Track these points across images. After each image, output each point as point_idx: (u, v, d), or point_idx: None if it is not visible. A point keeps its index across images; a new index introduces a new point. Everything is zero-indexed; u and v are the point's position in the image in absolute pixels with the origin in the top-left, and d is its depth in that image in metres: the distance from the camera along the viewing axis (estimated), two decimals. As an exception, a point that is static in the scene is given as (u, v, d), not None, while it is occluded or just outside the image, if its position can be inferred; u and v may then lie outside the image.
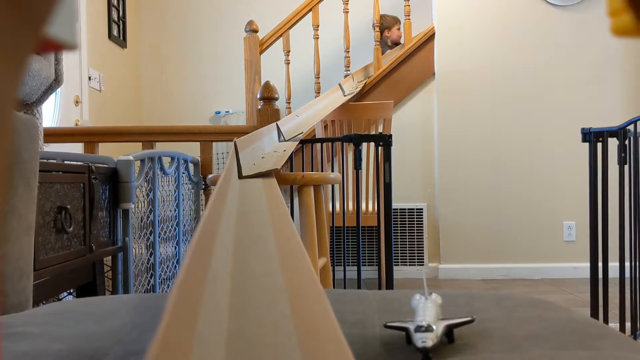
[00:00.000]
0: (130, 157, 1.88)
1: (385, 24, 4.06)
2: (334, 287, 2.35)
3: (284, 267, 0.48)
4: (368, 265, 3.64)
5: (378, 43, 3.74)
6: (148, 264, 2.10)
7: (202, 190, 2.72)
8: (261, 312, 0.38)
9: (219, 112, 4.65)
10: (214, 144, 2.86)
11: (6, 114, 0.16)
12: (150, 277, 2.11)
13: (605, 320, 2.19)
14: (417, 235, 3.75)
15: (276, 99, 2.73)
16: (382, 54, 3.85)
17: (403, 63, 3.75)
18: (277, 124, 2.29)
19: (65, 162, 1.69)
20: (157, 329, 0.32)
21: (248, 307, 0.39)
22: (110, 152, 2.30)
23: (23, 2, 0.16)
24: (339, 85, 3.56)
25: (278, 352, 0.33)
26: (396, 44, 4.13)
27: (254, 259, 0.52)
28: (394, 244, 3.66)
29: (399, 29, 4.12)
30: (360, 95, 3.67)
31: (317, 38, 3.65)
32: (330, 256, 2.35)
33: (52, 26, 0.19)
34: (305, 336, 0.34)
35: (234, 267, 0.48)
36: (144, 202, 2.06)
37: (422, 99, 3.80)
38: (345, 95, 3.44)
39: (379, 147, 2.20)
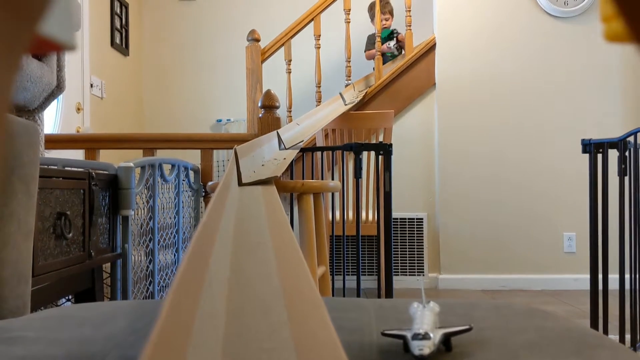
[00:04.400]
0: (131, 164, 1.89)
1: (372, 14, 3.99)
2: (333, 296, 2.35)
3: (281, 273, 0.48)
4: (368, 274, 3.63)
5: (380, 53, 3.76)
6: (147, 271, 2.10)
7: (202, 198, 2.72)
8: (258, 318, 0.38)
9: (220, 120, 4.66)
10: (214, 151, 2.87)
11: (1, 116, 0.16)
12: (149, 284, 2.11)
13: (605, 332, 2.19)
14: (417, 245, 3.74)
15: (277, 108, 2.73)
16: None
17: (404, 73, 3.76)
18: (277, 132, 2.29)
19: (66, 168, 1.69)
20: (151, 332, 0.32)
21: (245, 312, 0.39)
22: (111, 159, 2.30)
23: None
24: (340, 94, 3.57)
25: (274, 358, 0.33)
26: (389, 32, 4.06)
27: (251, 265, 0.52)
28: (394, 254, 3.65)
29: (380, 20, 3.99)
30: (361, 105, 3.67)
31: (319, 47, 3.67)
32: (330, 265, 2.34)
33: (50, 26, 0.19)
34: (301, 342, 0.34)
35: (232, 272, 0.48)
36: (143, 209, 2.06)
37: (423, 109, 3.81)
38: (346, 105, 3.45)
39: (379, 156, 2.20)
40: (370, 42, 4.03)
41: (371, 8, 3.95)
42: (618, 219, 2.18)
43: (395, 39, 3.98)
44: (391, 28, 4.02)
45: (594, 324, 2.23)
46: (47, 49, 0.20)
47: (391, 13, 4.04)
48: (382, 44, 3.84)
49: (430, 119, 3.81)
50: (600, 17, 0.23)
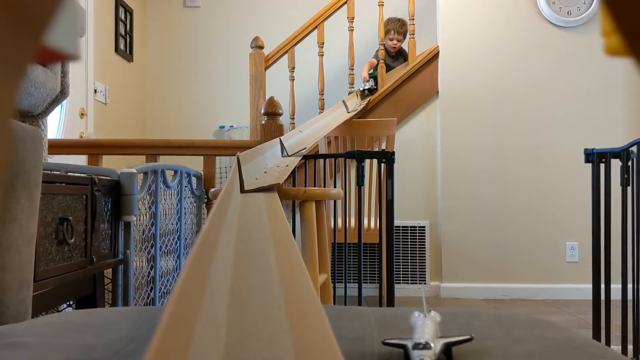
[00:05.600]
0: (134, 170, 1.89)
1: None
2: (334, 303, 2.34)
3: (283, 281, 0.48)
4: (369, 282, 3.62)
5: (383, 61, 3.76)
6: (148, 277, 2.09)
7: (205, 204, 2.72)
8: (259, 326, 0.38)
9: (223, 127, 4.66)
10: (217, 158, 2.87)
11: (4, 122, 0.16)
12: (151, 291, 2.11)
13: (607, 343, 2.17)
14: (419, 253, 3.73)
15: (280, 115, 2.74)
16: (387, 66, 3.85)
17: (407, 81, 3.77)
18: (280, 139, 2.29)
19: (69, 173, 1.69)
20: (152, 339, 0.32)
21: (246, 320, 0.39)
22: (114, 164, 2.31)
23: (22, 7, 0.16)
24: (343, 101, 3.58)
25: (274, 366, 0.33)
26: (398, 52, 4.05)
27: (253, 272, 0.52)
28: (396, 262, 3.65)
29: (391, 39, 3.99)
30: (364, 112, 3.68)
31: (322, 55, 3.68)
32: (331, 273, 2.34)
33: (55, 36, 0.19)
34: (302, 351, 0.34)
35: (233, 280, 0.48)
36: (146, 214, 2.06)
37: (426, 117, 3.81)
38: (348, 112, 3.45)
39: (382, 164, 2.20)
40: (375, 56, 4.01)
41: (387, 24, 3.94)
42: (620, 228, 2.18)
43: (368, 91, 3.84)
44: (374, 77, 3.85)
45: (596, 335, 2.22)
46: (52, 58, 0.20)
47: (405, 35, 4.00)
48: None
49: (432, 127, 3.81)
50: (601, 31, 0.23)
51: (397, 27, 3.92)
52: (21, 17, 0.16)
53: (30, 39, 0.17)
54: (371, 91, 3.77)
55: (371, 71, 3.90)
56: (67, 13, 0.19)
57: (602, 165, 2.22)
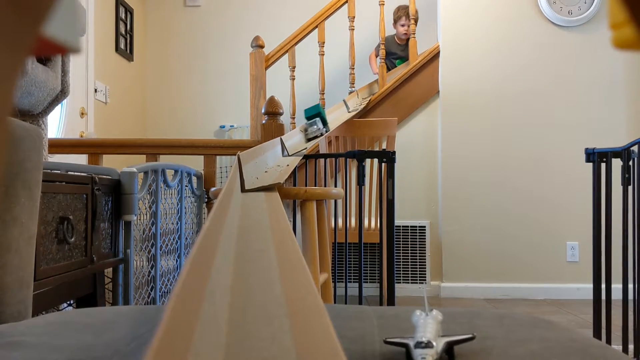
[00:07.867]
0: (134, 169, 1.89)
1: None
2: (335, 303, 2.34)
3: (284, 281, 0.48)
4: (370, 282, 3.62)
5: (383, 61, 3.76)
6: (149, 276, 2.09)
7: (205, 204, 2.72)
8: (260, 326, 0.38)
9: (223, 127, 4.66)
10: (217, 157, 2.87)
11: (3, 112, 0.16)
12: (151, 290, 2.10)
13: (608, 342, 2.17)
14: (419, 253, 3.73)
15: (281, 114, 2.73)
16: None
17: (407, 81, 3.76)
18: (281, 138, 2.29)
19: (69, 172, 1.69)
20: (153, 339, 0.32)
21: (247, 320, 0.39)
22: (114, 164, 2.30)
23: None
24: (344, 101, 3.57)
25: (276, 366, 0.33)
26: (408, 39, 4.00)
27: (254, 272, 0.52)
28: (396, 261, 3.64)
29: (402, 25, 3.96)
30: (365, 112, 3.68)
31: (323, 54, 3.67)
32: (332, 272, 2.33)
33: (54, 27, 0.19)
34: (304, 351, 0.34)
35: (234, 279, 0.48)
36: (146, 214, 2.06)
37: (426, 117, 3.81)
38: (349, 112, 3.45)
39: (383, 164, 2.20)
40: (377, 48, 4.01)
41: (396, 12, 3.93)
42: (621, 228, 2.18)
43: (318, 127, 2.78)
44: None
45: (597, 334, 2.21)
46: (51, 51, 0.20)
47: (415, 20, 3.90)
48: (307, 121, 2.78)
49: (433, 126, 3.81)
50: (610, 23, 0.23)
51: (407, 12, 3.91)
52: (19, 6, 0.16)
53: (29, 27, 0.16)
54: (317, 137, 2.67)
55: (315, 109, 2.77)
56: (66, 6, 0.19)
57: (603, 165, 2.22)
